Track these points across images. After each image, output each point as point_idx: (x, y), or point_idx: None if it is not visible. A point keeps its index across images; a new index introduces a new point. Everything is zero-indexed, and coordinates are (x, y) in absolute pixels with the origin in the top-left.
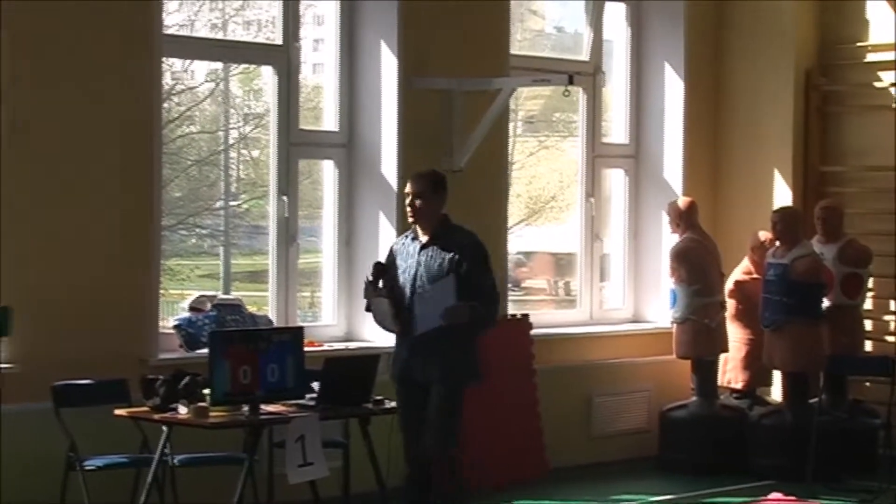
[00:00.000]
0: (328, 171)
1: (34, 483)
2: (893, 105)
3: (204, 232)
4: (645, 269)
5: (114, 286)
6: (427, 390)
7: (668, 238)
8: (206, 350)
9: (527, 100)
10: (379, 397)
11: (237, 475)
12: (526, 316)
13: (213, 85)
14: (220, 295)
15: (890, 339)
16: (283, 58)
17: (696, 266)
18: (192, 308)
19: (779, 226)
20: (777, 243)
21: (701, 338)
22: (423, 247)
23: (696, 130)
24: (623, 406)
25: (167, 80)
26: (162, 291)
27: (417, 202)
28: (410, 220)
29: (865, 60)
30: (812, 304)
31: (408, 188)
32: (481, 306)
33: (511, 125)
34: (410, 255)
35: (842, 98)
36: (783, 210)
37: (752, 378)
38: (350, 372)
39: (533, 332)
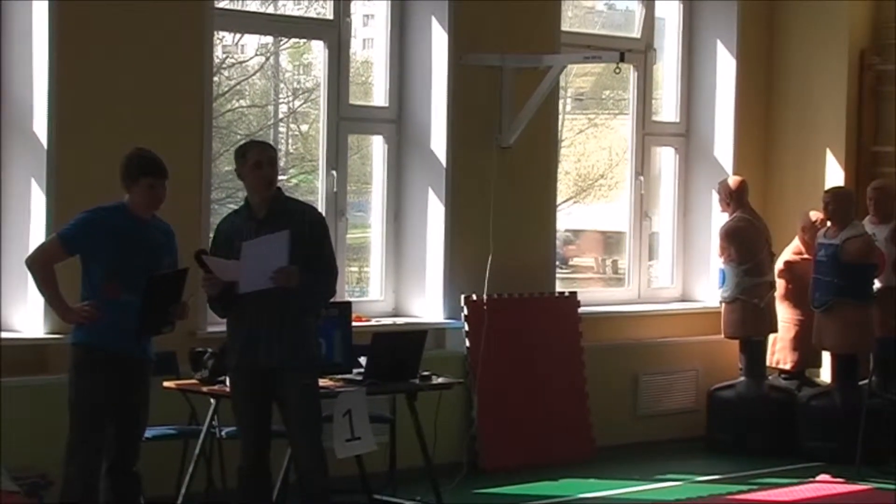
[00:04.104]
0: (377, 147)
1: None
2: None
3: None
4: (694, 248)
5: None
6: (268, 375)
7: (718, 217)
8: None
9: (576, 77)
10: (426, 373)
11: (284, 448)
12: (574, 294)
13: (263, 59)
14: None
15: None
16: (334, 32)
17: (746, 245)
18: None
19: (830, 206)
20: (828, 223)
21: (750, 318)
22: (262, 223)
23: (747, 109)
24: (670, 385)
25: (217, 53)
26: None
27: (271, 170)
28: (262, 190)
29: None
30: (863, 286)
31: (258, 155)
32: (325, 280)
33: (560, 102)
34: (246, 233)
35: None
36: (835, 190)
37: (801, 359)
38: (397, 347)
39: (580, 310)
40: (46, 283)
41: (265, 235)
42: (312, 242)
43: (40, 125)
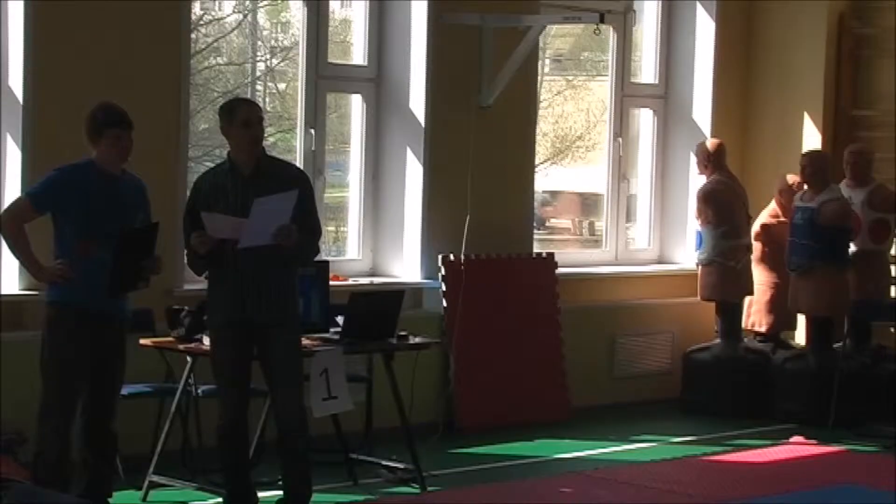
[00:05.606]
0: (356, 106)
1: None
2: None
3: None
4: (671, 211)
5: None
6: (253, 333)
7: (696, 179)
8: None
9: (555, 38)
10: (403, 332)
11: (260, 406)
12: (551, 255)
13: (240, 16)
14: None
15: None
16: None
17: (724, 208)
18: None
19: (807, 169)
20: (805, 187)
21: (726, 280)
22: (248, 181)
23: (726, 72)
24: (646, 347)
25: (195, 10)
26: None
27: (259, 128)
28: (250, 149)
29: None
30: (839, 249)
31: (247, 113)
32: (313, 239)
33: (539, 63)
34: (231, 191)
35: (874, 42)
36: (812, 153)
37: (777, 322)
38: (375, 307)
39: (557, 271)
40: (18, 243)
41: (277, 195)
42: (300, 202)
43: (16, 80)
